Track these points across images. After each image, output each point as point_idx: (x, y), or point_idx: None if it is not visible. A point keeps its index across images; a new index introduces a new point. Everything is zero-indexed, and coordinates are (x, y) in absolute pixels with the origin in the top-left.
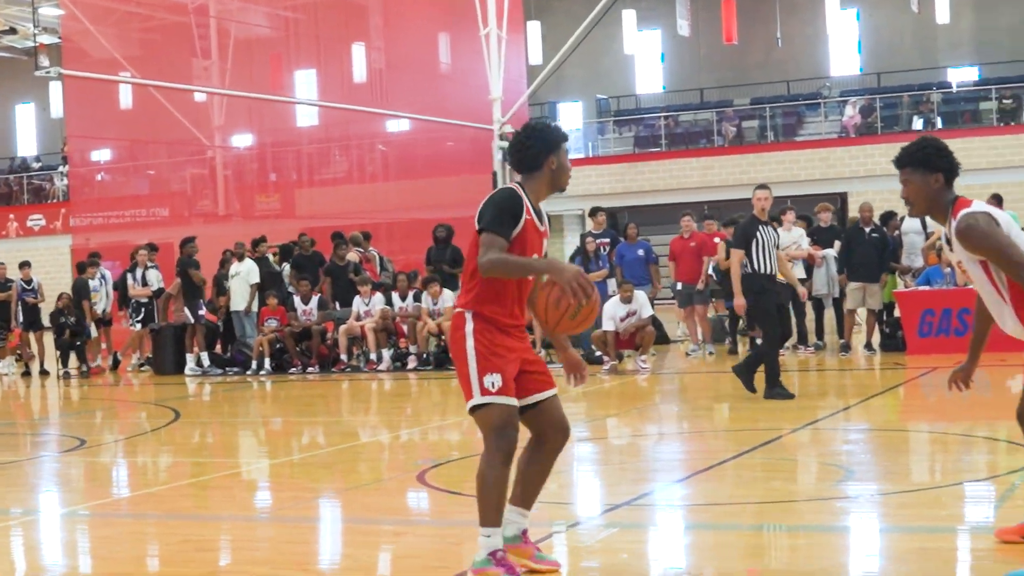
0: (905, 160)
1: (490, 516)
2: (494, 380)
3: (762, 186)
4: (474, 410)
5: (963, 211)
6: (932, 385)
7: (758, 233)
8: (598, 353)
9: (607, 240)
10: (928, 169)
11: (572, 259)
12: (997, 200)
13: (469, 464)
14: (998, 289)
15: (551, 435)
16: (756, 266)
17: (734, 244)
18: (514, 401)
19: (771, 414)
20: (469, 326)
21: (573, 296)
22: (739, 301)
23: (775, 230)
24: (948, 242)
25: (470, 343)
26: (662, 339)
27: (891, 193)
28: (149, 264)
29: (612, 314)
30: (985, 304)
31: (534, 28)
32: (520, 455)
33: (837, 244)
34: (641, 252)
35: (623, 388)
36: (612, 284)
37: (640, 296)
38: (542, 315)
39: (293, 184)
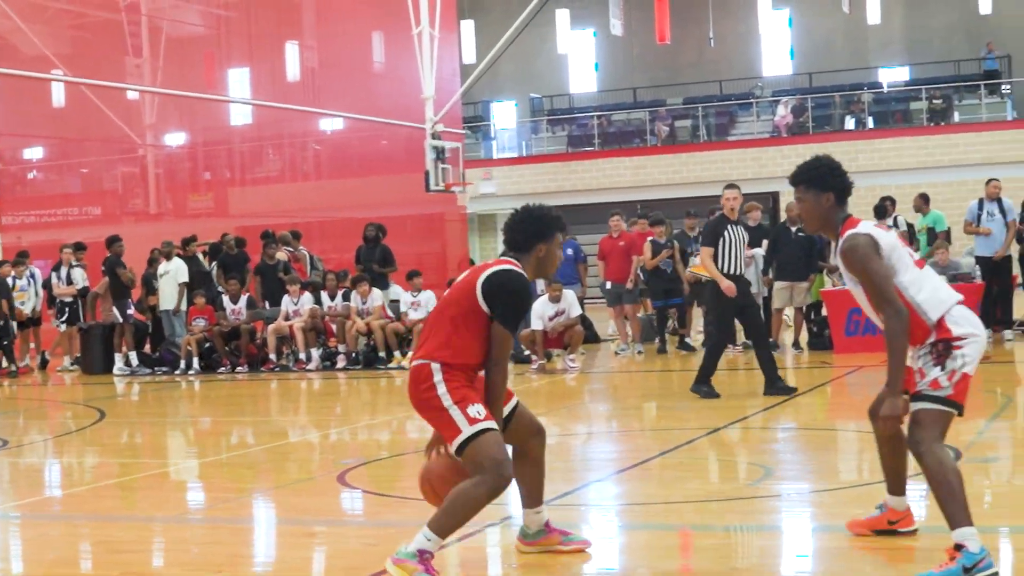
0: (800, 178)
1: (444, 528)
2: (479, 409)
3: (731, 185)
4: (466, 445)
5: (850, 231)
6: (858, 384)
7: (726, 232)
8: (527, 352)
9: None
10: (820, 188)
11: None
12: (891, 202)
13: (396, 464)
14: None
15: (532, 442)
16: (721, 265)
17: (703, 242)
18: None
19: (699, 413)
20: (438, 375)
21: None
22: (725, 283)
23: (744, 230)
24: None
25: (442, 388)
26: (592, 338)
27: None
28: (74, 263)
29: (540, 313)
30: (871, 317)
31: (467, 27)
32: (513, 466)
33: (766, 243)
34: (570, 251)
35: (552, 387)
36: (541, 283)
37: (568, 295)
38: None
39: (226, 183)
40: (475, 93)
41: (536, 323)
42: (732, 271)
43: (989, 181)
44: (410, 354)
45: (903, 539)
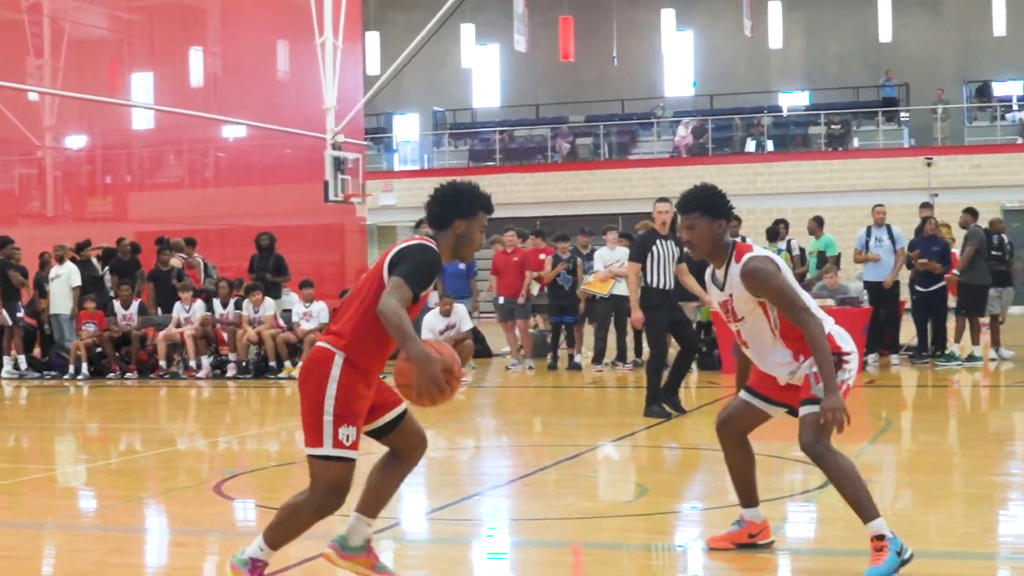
0: (694, 205)
1: (275, 540)
2: (349, 433)
3: (662, 199)
4: (317, 458)
5: (748, 255)
6: None
7: (655, 247)
8: None
9: None
10: (714, 215)
11: None
12: (784, 225)
13: (280, 474)
14: (771, 329)
15: (411, 450)
16: (650, 280)
17: (630, 257)
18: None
19: (586, 429)
20: (336, 371)
21: (420, 397)
22: (635, 315)
23: (676, 244)
24: (716, 284)
25: (332, 389)
26: (483, 352)
27: None
28: None
29: (431, 327)
30: (749, 344)
31: (373, 39)
32: (378, 462)
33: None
34: (462, 265)
35: None
36: (433, 297)
37: (459, 309)
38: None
39: (126, 187)
40: (379, 105)
41: (427, 336)
42: (662, 286)
43: (875, 207)
44: (300, 364)
45: (788, 558)
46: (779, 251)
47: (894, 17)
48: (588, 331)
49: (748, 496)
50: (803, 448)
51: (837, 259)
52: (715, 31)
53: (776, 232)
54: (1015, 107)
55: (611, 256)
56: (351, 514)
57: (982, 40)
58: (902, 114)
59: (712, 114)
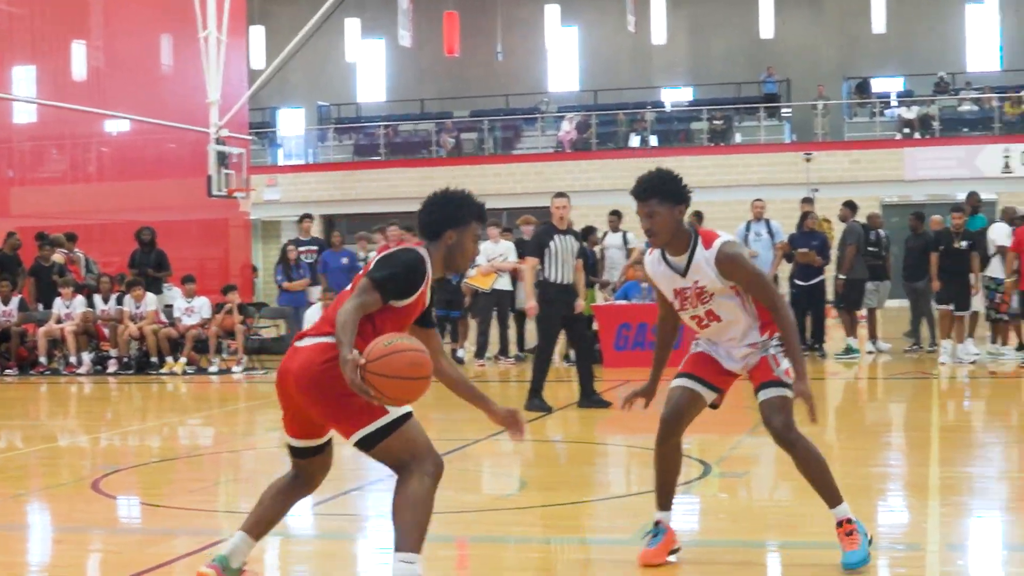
0: (654, 192)
1: (418, 542)
2: None
3: (560, 194)
4: (389, 432)
5: (719, 240)
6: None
7: (552, 242)
8: None
9: (314, 248)
10: (675, 201)
11: (276, 268)
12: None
13: (160, 469)
14: (743, 302)
15: (313, 477)
16: (548, 274)
17: (528, 251)
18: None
19: (468, 423)
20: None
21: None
22: (530, 304)
23: (575, 239)
24: (678, 271)
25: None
26: None
27: (602, 208)
28: None
29: (312, 321)
30: (723, 318)
31: (257, 33)
32: (275, 484)
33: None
34: (345, 260)
35: None
36: (315, 292)
37: None
38: None
39: (8, 182)
40: (263, 99)
41: None
42: (560, 280)
43: (754, 202)
44: (183, 360)
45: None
46: None
47: (776, 14)
48: (472, 325)
49: (668, 499)
50: (775, 432)
51: None
52: (599, 27)
53: None
54: (894, 103)
55: (494, 250)
56: (236, 532)
57: (862, 37)
58: (783, 110)
59: (596, 109)
